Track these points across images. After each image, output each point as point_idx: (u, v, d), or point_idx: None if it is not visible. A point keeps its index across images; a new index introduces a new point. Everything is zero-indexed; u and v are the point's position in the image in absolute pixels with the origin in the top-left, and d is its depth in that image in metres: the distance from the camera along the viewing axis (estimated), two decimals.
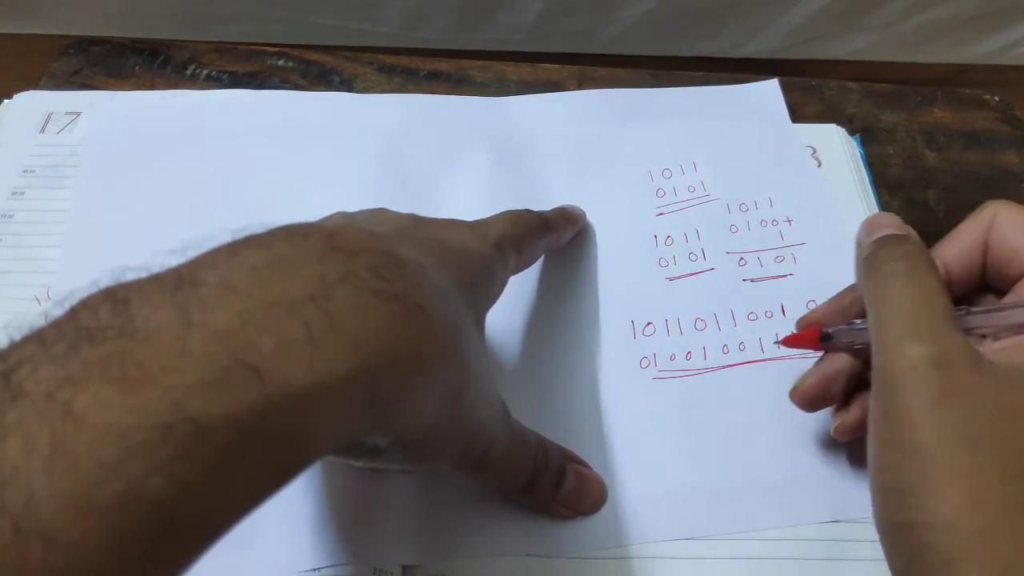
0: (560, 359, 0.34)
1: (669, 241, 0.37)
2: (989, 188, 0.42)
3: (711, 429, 0.31)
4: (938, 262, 0.27)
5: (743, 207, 0.38)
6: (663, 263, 0.37)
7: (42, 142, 0.40)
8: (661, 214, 0.38)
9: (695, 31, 0.93)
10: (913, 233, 0.27)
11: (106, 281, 0.17)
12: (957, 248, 0.28)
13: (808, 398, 0.29)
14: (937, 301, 0.24)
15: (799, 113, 0.44)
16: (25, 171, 0.39)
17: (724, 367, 0.33)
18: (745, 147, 0.41)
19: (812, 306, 0.34)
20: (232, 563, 0.28)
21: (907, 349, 0.23)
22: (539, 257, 0.34)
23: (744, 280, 0.36)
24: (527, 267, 0.32)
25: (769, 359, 0.33)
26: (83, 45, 0.46)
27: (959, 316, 0.25)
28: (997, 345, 0.25)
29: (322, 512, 0.28)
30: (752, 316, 0.34)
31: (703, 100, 0.44)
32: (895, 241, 0.26)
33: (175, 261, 0.18)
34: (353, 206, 0.38)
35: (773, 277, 0.36)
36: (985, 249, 0.27)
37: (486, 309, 0.28)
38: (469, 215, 0.38)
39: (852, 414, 0.28)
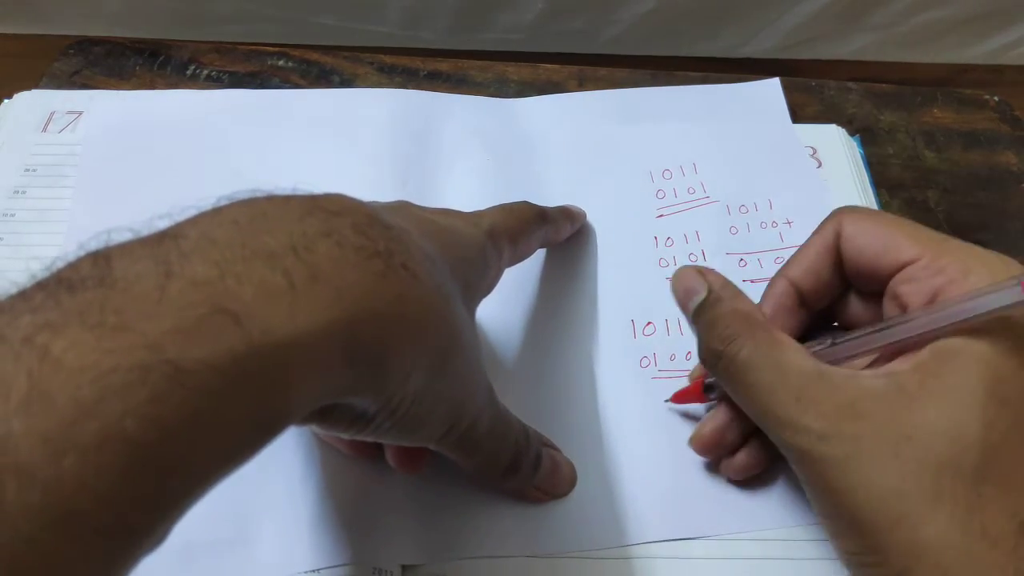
0: (560, 358, 0.34)
1: (669, 242, 0.37)
2: (989, 188, 0.42)
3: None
4: (785, 284, 0.28)
5: (743, 209, 0.38)
6: (663, 263, 0.37)
7: (43, 141, 0.40)
8: (661, 215, 0.38)
9: (695, 31, 0.93)
10: (715, 284, 0.29)
11: (93, 245, 0.17)
12: (804, 265, 0.29)
13: (706, 445, 0.30)
14: (791, 372, 0.25)
15: (799, 113, 0.44)
16: (26, 170, 0.39)
17: None
18: (745, 148, 0.41)
19: None
20: (233, 564, 0.28)
21: (795, 426, 0.24)
22: (535, 250, 0.33)
23: (744, 281, 0.36)
24: (522, 259, 0.32)
25: None
26: (83, 45, 0.46)
27: (825, 348, 0.26)
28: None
29: (322, 513, 0.28)
30: None
31: (703, 100, 0.44)
32: (727, 337, 0.27)
33: (164, 224, 0.18)
34: None
35: None
36: (837, 260, 0.28)
37: (478, 294, 0.27)
38: None
39: (739, 459, 0.29)
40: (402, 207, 0.26)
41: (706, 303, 0.29)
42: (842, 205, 0.38)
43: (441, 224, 0.25)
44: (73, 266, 0.16)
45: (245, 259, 0.17)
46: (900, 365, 0.24)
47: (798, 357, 0.25)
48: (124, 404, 0.14)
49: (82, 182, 0.38)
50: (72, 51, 0.45)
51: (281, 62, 0.46)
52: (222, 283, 0.16)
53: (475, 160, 0.40)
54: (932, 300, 0.24)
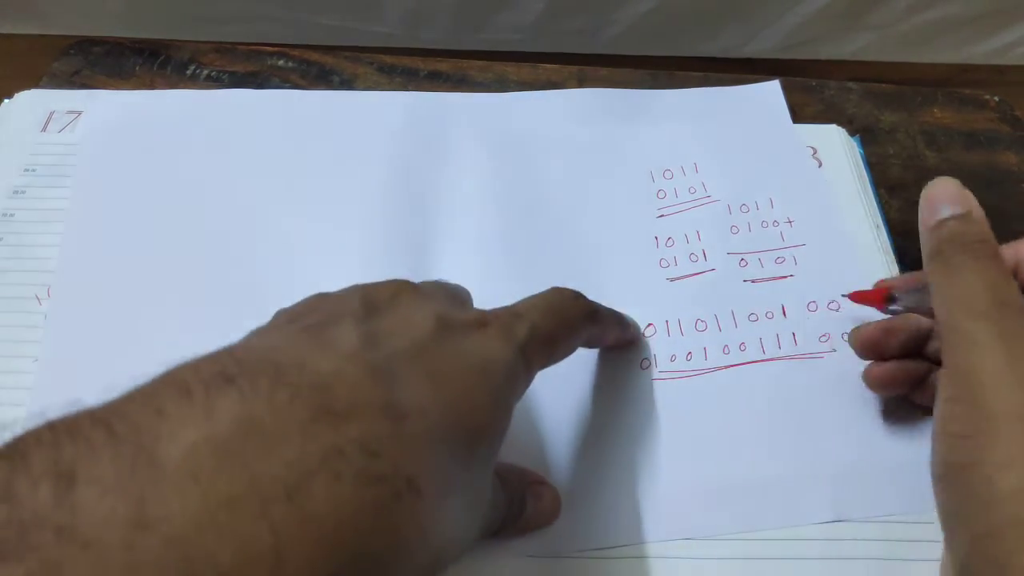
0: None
1: (670, 242, 0.37)
2: (989, 188, 0.42)
3: (711, 430, 0.31)
4: (1012, 254, 0.27)
5: (744, 208, 0.38)
6: (664, 264, 0.37)
7: (43, 141, 0.40)
8: (662, 215, 0.38)
9: (695, 31, 0.93)
10: (973, 207, 0.27)
11: (57, 413, 0.15)
12: None
13: (866, 342, 0.30)
14: (999, 288, 0.24)
15: (799, 113, 0.44)
16: (26, 170, 0.39)
17: (725, 367, 0.33)
18: (746, 147, 0.41)
19: (812, 307, 0.35)
20: None
21: (971, 326, 0.24)
22: (573, 351, 0.28)
23: (745, 281, 0.36)
24: (558, 362, 0.27)
25: (770, 359, 0.33)
26: (83, 45, 0.46)
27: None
28: None
29: None
30: (753, 317, 0.34)
31: (704, 101, 0.44)
32: (956, 229, 0.26)
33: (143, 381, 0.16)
34: (353, 205, 0.38)
35: (774, 278, 0.36)
36: None
37: (506, 426, 0.24)
38: (469, 214, 0.38)
39: (887, 367, 0.30)
40: (430, 345, 0.22)
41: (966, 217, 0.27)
42: (842, 205, 0.38)
43: (471, 359, 0.22)
44: (32, 483, 0.14)
45: (230, 505, 0.15)
46: None
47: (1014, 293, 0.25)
48: None
49: (81, 182, 0.38)
50: (72, 51, 0.45)
51: (281, 62, 0.46)
52: (200, 540, 0.14)
53: (475, 160, 0.40)
54: None
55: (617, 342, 0.33)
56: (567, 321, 0.27)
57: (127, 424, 0.16)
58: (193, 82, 0.44)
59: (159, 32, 0.74)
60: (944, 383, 0.25)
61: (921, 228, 0.27)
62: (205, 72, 0.45)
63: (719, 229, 0.38)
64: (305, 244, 0.36)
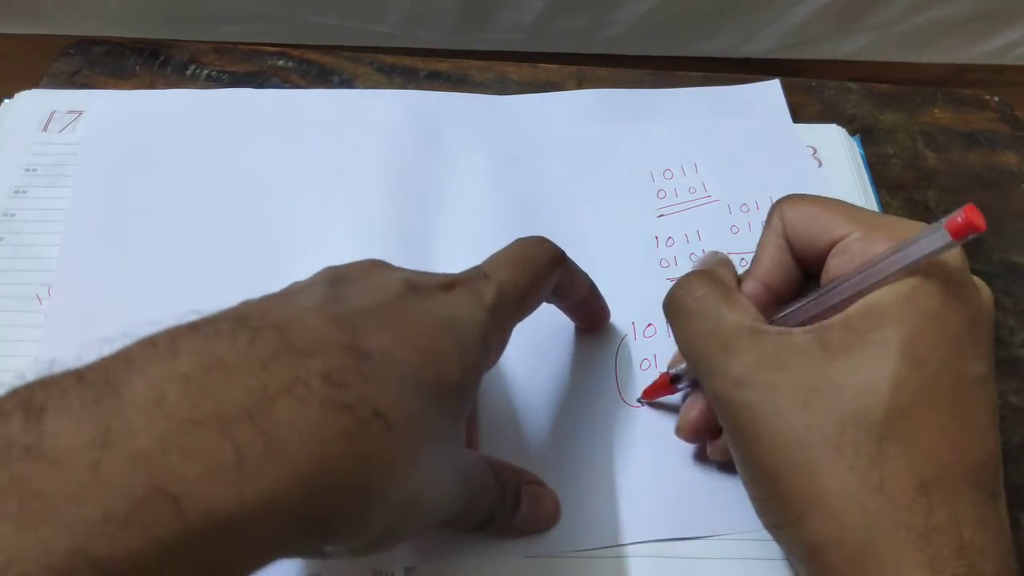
0: (559, 359, 0.34)
1: (670, 242, 0.37)
2: (989, 188, 0.42)
3: None
4: (754, 284, 0.28)
5: (744, 208, 0.38)
6: (664, 264, 0.37)
7: (44, 141, 0.40)
8: (662, 215, 0.38)
9: (695, 31, 0.93)
10: (707, 256, 0.30)
11: (33, 374, 0.16)
12: (766, 264, 0.28)
13: (692, 430, 0.30)
14: (727, 323, 0.25)
15: (799, 113, 0.44)
16: (27, 169, 0.39)
17: None
18: (746, 148, 0.41)
19: None
20: None
21: (718, 373, 0.25)
22: (544, 299, 0.29)
23: None
24: (531, 313, 0.28)
25: None
26: (83, 45, 0.46)
27: (775, 320, 0.26)
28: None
29: None
30: None
31: (704, 100, 0.44)
32: (685, 284, 0.28)
33: (121, 344, 0.17)
34: (352, 204, 0.38)
35: None
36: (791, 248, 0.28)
37: (477, 383, 0.25)
38: (468, 213, 0.38)
39: (724, 439, 0.29)
40: (395, 301, 0.22)
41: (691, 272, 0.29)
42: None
43: (437, 316, 0.22)
44: (4, 415, 0.15)
45: (193, 427, 0.15)
46: (830, 322, 0.24)
47: (740, 315, 0.25)
48: None
49: (81, 181, 0.38)
50: (72, 51, 0.45)
51: (281, 62, 0.46)
52: (164, 459, 0.15)
53: (475, 160, 0.40)
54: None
55: (587, 297, 0.32)
56: (535, 272, 0.27)
57: (96, 371, 0.16)
58: (193, 82, 0.44)
59: (159, 32, 0.73)
60: (728, 443, 0.26)
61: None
62: (205, 72, 0.45)
63: (719, 229, 0.38)
64: (304, 243, 0.36)
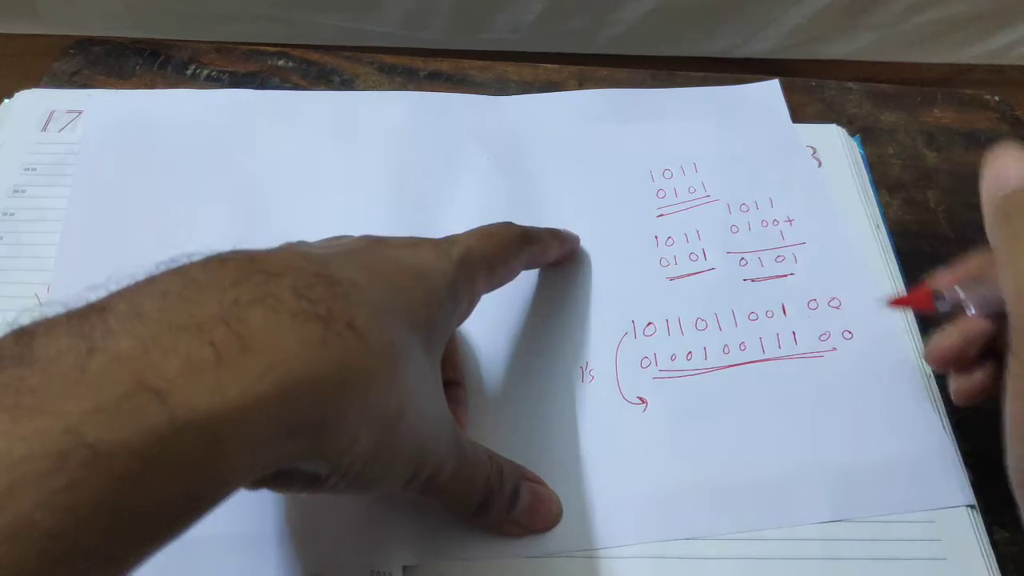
0: (559, 359, 0.34)
1: (670, 242, 0.37)
2: None
3: (711, 429, 0.31)
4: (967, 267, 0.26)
5: (743, 207, 0.38)
6: (664, 263, 0.37)
7: (44, 140, 0.40)
8: (662, 215, 0.38)
9: (695, 31, 0.93)
10: None
11: (25, 319, 0.17)
12: None
13: (946, 359, 0.27)
14: None
15: (799, 113, 0.44)
16: (26, 169, 0.39)
17: (725, 367, 0.33)
18: (746, 148, 0.41)
19: (813, 305, 0.35)
20: (233, 568, 0.28)
21: None
22: (517, 273, 0.31)
23: (745, 280, 0.36)
24: (503, 283, 0.30)
25: (770, 359, 0.33)
26: (83, 45, 0.46)
27: None
28: None
29: (321, 515, 0.28)
30: (753, 316, 0.34)
31: (704, 100, 0.44)
32: None
33: (100, 294, 0.18)
34: (352, 204, 0.38)
35: (774, 277, 0.36)
36: None
37: (447, 329, 0.26)
38: (468, 214, 0.38)
39: (976, 379, 0.27)
40: (361, 249, 0.25)
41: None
42: (842, 205, 0.37)
43: (404, 263, 0.24)
44: None
45: (172, 332, 0.16)
46: None
47: None
48: (36, 494, 0.14)
49: (80, 181, 0.38)
50: (72, 51, 0.45)
51: (281, 62, 0.46)
52: (146, 358, 0.16)
53: (475, 160, 0.40)
54: None
55: (560, 258, 0.34)
56: (502, 243, 0.29)
57: (81, 303, 0.17)
58: (193, 82, 0.44)
59: (159, 32, 0.74)
60: (1015, 377, 0.22)
61: (985, 197, 0.25)
62: (205, 72, 0.45)
63: (719, 228, 0.38)
64: None
